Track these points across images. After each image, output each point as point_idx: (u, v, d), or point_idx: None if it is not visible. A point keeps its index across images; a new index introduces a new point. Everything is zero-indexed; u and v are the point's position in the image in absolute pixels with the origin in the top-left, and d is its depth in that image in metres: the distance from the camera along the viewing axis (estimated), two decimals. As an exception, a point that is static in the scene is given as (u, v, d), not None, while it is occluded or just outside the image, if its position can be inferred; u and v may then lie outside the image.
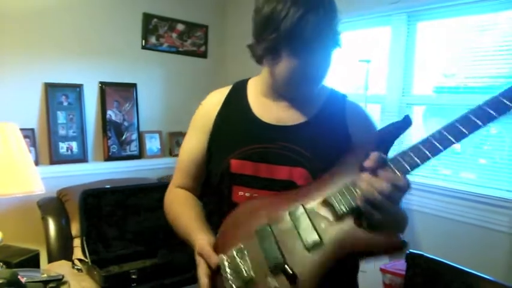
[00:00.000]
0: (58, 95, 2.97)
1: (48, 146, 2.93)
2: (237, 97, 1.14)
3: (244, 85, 1.16)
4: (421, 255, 1.33)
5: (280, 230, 0.91)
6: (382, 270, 2.18)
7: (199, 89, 3.55)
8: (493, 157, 2.37)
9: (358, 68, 2.66)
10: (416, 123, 2.77)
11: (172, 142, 3.53)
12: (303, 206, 0.91)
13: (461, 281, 1.26)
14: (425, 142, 0.81)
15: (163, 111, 3.53)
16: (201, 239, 1.00)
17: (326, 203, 0.89)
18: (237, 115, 1.11)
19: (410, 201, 2.45)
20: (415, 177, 2.37)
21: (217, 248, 0.97)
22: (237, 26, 3.75)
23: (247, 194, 1.03)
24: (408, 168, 0.82)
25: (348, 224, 0.85)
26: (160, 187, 2.49)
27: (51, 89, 2.94)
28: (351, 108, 1.11)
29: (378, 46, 2.83)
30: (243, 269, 0.90)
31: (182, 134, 3.56)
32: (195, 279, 1.00)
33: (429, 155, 0.80)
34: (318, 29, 0.91)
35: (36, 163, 2.82)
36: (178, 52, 3.55)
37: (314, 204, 0.90)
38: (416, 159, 0.81)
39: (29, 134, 2.82)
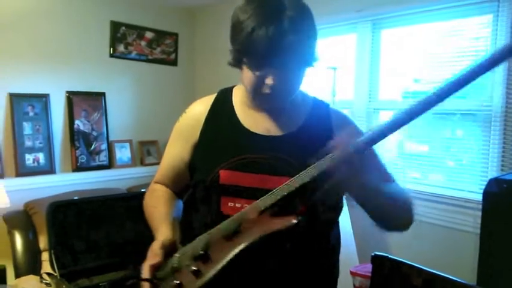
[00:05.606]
0: (24, 106, 2.91)
1: (14, 158, 2.86)
2: (223, 107, 1.12)
3: (229, 94, 1.14)
4: (386, 257, 1.36)
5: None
6: (352, 273, 2.21)
7: (170, 96, 3.55)
8: (459, 159, 2.45)
9: (326, 74, 2.70)
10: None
11: (144, 151, 3.50)
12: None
13: (425, 281, 1.29)
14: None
15: (134, 120, 3.50)
16: (158, 238, 1.03)
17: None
18: (225, 125, 1.09)
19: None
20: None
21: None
22: (207, 34, 3.76)
23: (237, 205, 1.01)
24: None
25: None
26: (129, 198, 2.45)
27: (16, 100, 2.88)
28: (336, 116, 1.12)
29: (344, 53, 2.88)
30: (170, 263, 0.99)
31: (153, 143, 3.53)
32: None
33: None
34: (267, 44, 0.89)
35: (2, 176, 2.76)
36: (147, 60, 3.53)
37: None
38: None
39: (-7, 146, 2.75)
